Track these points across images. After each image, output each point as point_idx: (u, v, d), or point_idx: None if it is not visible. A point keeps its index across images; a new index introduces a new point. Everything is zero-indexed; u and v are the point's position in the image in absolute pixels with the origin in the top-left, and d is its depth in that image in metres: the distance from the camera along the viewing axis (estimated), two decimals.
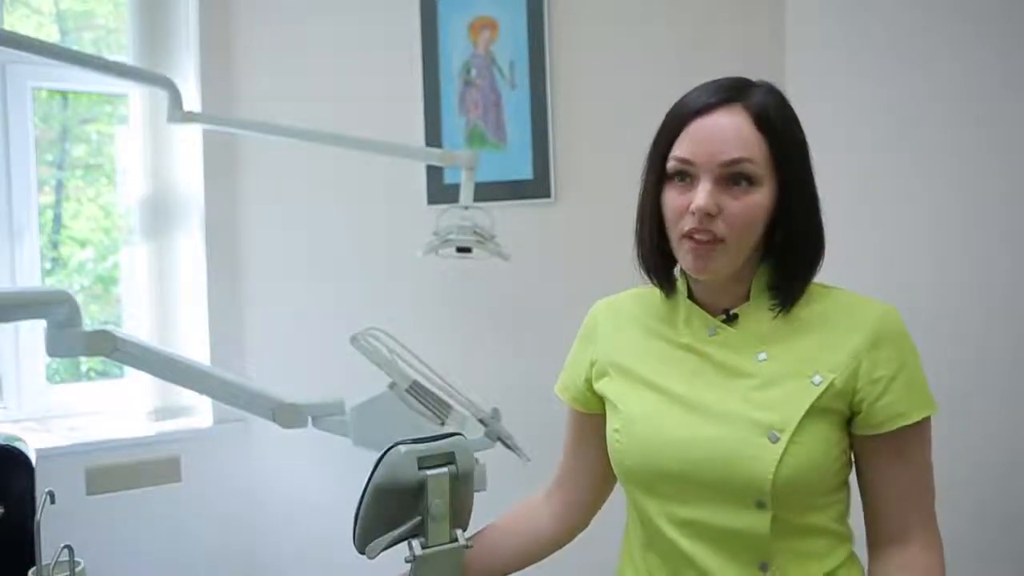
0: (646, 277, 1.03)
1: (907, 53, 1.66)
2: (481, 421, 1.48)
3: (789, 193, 0.93)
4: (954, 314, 1.59)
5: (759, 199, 0.91)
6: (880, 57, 1.69)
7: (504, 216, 1.82)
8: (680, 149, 0.93)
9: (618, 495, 1.10)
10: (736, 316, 0.97)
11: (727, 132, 0.91)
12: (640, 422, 0.99)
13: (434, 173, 1.96)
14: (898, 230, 1.67)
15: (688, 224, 0.92)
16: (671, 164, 0.94)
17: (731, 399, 0.93)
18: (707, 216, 0.90)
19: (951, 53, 1.61)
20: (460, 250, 1.74)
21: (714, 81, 0.96)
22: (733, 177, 0.91)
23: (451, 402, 1.50)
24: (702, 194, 0.90)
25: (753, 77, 0.97)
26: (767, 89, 0.95)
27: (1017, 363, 1.55)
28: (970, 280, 1.59)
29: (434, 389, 1.47)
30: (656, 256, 1.00)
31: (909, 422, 0.91)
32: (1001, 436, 1.56)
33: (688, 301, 1.00)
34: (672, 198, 0.94)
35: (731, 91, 0.93)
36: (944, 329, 1.55)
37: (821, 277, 1.00)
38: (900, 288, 1.55)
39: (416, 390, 1.44)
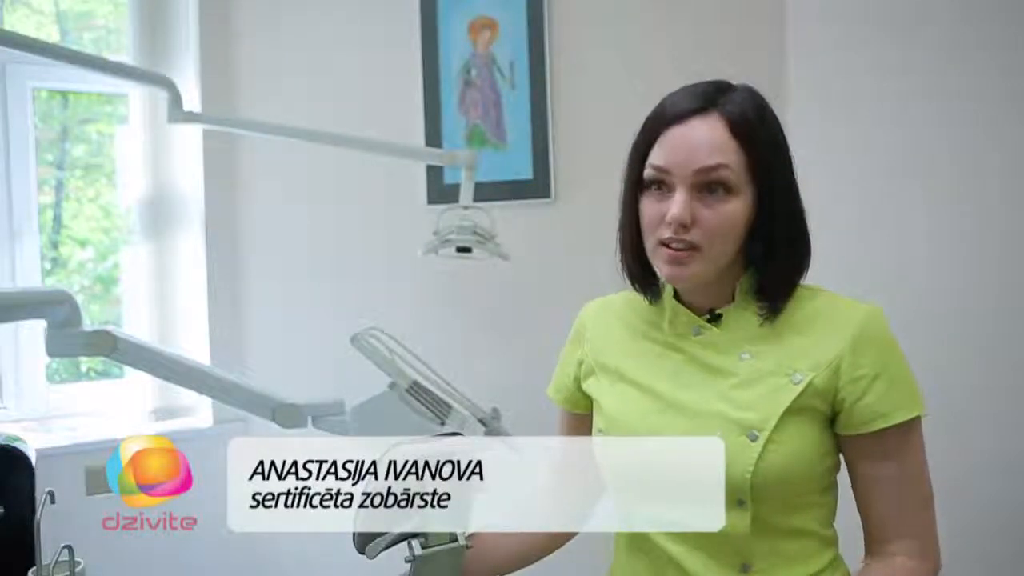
0: (630, 285, 1.03)
1: (907, 53, 1.66)
2: (481, 421, 1.48)
3: (769, 200, 0.92)
4: (954, 314, 1.58)
5: (736, 207, 0.91)
6: (880, 57, 1.69)
7: (504, 216, 1.82)
8: (656, 157, 0.93)
9: None
10: (720, 316, 0.97)
11: (702, 140, 0.90)
12: (621, 420, 0.99)
13: (434, 173, 1.96)
14: (898, 231, 1.67)
15: (664, 233, 0.91)
16: (647, 172, 0.94)
17: (711, 398, 0.93)
18: (682, 227, 0.90)
19: (951, 54, 1.60)
20: (460, 250, 1.73)
21: (692, 86, 0.95)
22: (709, 185, 0.90)
23: (451, 402, 1.49)
24: (677, 204, 0.90)
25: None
26: (745, 94, 0.94)
27: (1018, 364, 1.55)
28: (970, 280, 1.59)
29: (434, 389, 1.47)
30: (637, 263, 1.00)
31: (891, 423, 0.90)
32: (1002, 437, 1.56)
33: (673, 301, 1.00)
34: (649, 206, 0.94)
35: (707, 97, 0.93)
36: (944, 330, 1.55)
37: (820, 278, 1.00)
38: (900, 288, 1.55)
39: (416, 390, 1.44)
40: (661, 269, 0.94)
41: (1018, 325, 1.55)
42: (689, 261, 0.91)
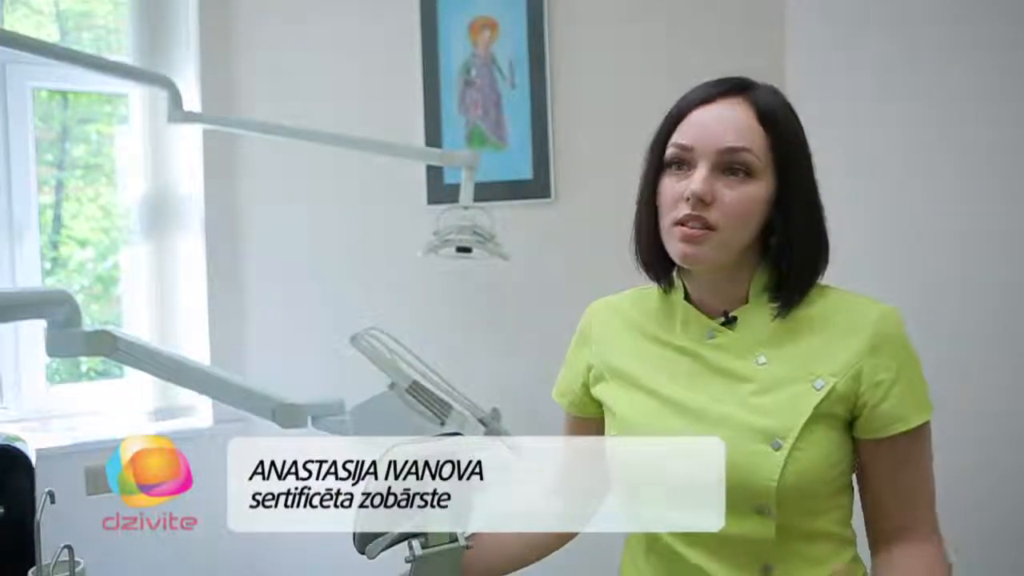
0: (644, 272, 1.02)
1: (907, 53, 1.66)
2: (481, 421, 1.48)
3: (788, 192, 0.92)
4: (954, 314, 1.59)
5: (755, 191, 0.91)
6: (880, 57, 1.69)
7: (504, 216, 1.82)
8: (680, 136, 0.93)
9: None
10: (735, 319, 0.96)
11: (728, 120, 0.91)
12: (636, 427, 0.98)
13: (434, 173, 1.96)
14: (898, 230, 1.67)
15: (682, 211, 0.91)
16: (670, 151, 0.94)
17: (730, 404, 0.92)
18: (701, 203, 0.89)
19: (951, 53, 1.61)
20: (460, 250, 1.73)
21: (717, 78, 0.96)
22: (731, 166, 0.90)
23: (451, 402, 1.49)
24: (698, 179, 0.90)
25: (753, 77, 0.97)
26: (771, 90, 0.95)
27: (1017, 363, 1.55)
28: (970, 280, 1.59)
29: (434, 389, 1.47)
30: (653, 250, 0.99)
31: (909, 427, 0.90)
32: (1001, 437, 1.56)
33: (685, 303, 0.99)
34: (668, 185, 0.94)
35: (735, 85, 0.94)
36: (944, 329, 1.55)
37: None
38: (900, 288, 1.55)
39: (416, 390, 1.44)
40: (674, 248, 0.93)
41: (1018, 325, 1.55)
42: (704, 241, 0.90)
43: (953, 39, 1.60)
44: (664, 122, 0.96)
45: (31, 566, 1.18)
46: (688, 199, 0.90)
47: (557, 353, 1.17)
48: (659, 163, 0.95)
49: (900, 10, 1.67)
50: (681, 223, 0.91)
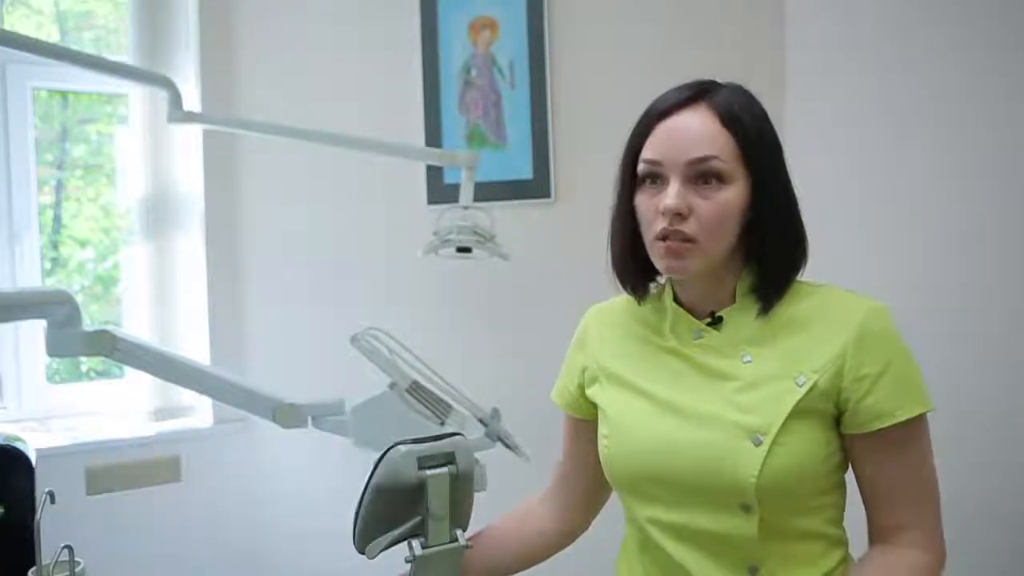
0: (620, 286, 1.03)
1: (907, 53, 1.66)
2: (481, 421, 1.48)
3: (762, 190, 0.92)
4: (954, 314, 1.59)
5: (729, 196, 0.91)
6: (880, 57, 1.69)
7: (504, 216, 1.82)
8: (648, 151, 0.94)
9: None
10: (721, 319, 0.97)
11: (692, 131, 0.91)
12: (626, 427, 0.99)
13: (434, 173, 1.96)
14: (898, 229, 1.67)
15: (660, 225, 0.92)
16: (641, 167, 0.95)
17: (714, 402, 0.93)
18: (677, 216, 0.90)
19: (951, 53, 1.61)
20: (460, 250, 1.73)
21: (681, 84, 0.96)
22: (702, 175, 0.91)
23: (451, 402, 1.50)
24: (671, 194, 0.90)
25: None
26: (734, 88, 0.95)
27: (1017, 363, 1.55)
28: (970, 279, 1.59)
29: (434, 389, 1.47)
30: (628, 262, 1.00)
31: (895, 421, 0.90)
32: (1001, 436, 1.56)
33: (674, 305, 1.00)
34: (644, 201, 0.95)
35: (696, 91, 0.94)
36: (944, 329, 1.55)
37: (821, 276, 0.99)
38: (900, 287, 1.55)
39: (416, 390, 1.44)
40: (660, 264, 0.94)
41: (1018, 325, 1.55)
42: (687, 254, 0.91)
43: (953, 39, 1.60)
44: (632, 136, 0.97)
45: (31, 566, 1.18)
46: (664, 214, 0.91)
47: (557, 353, 1.17)
48: (632, 178, 0.97)
49: (900, 10, 1.67)
50: (662, 238, 0.92)
